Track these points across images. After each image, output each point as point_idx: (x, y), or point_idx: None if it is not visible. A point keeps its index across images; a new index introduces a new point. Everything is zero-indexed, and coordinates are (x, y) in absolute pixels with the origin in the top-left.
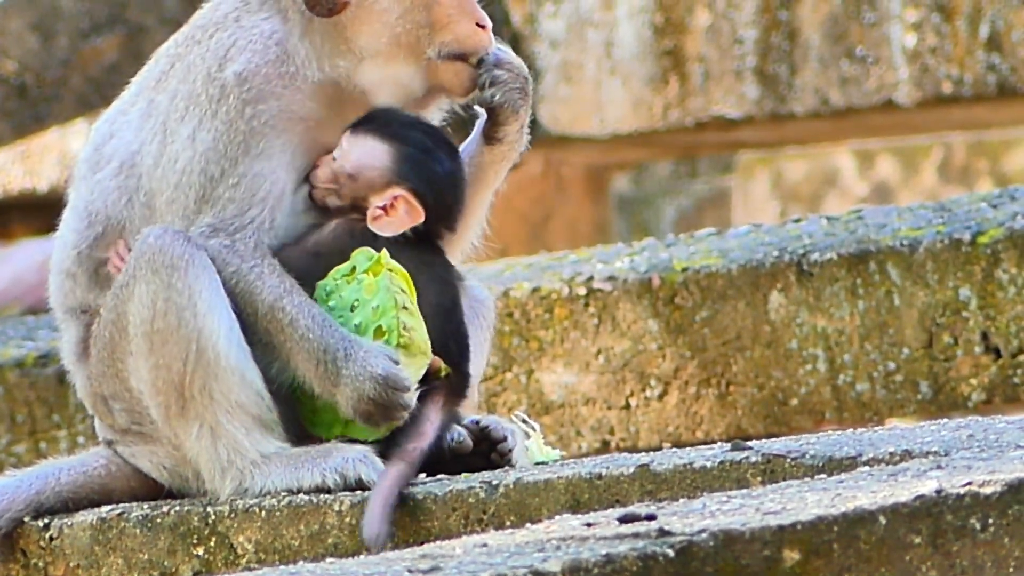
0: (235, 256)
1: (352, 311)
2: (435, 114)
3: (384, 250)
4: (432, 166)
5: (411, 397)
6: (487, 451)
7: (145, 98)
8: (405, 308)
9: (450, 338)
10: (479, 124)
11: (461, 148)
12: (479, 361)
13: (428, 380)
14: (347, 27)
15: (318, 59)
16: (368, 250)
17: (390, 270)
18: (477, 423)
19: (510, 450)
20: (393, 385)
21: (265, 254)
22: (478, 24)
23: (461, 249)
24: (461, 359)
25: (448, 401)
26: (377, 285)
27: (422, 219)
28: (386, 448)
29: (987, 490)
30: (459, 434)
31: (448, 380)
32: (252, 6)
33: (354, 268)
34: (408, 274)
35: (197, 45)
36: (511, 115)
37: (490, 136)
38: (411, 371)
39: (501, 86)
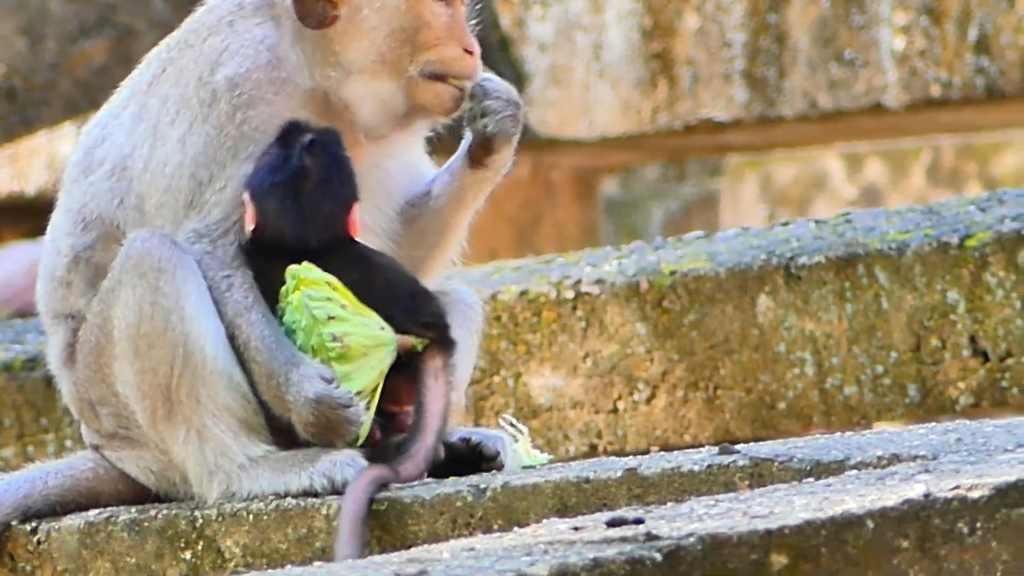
0: (213, 262)
1: (293, 334)
2: (421, 130)
3: (300, 264)
4: (264, 179)
5: (355, 411)
6: (476, 463)
7: (137, 102)
8: (331, 318)
9: (389, 305)
10: (464, 145)
11: (445, 167)
12: (467, 364)
13: (411, 359)
14: (335, 40)
15: (309, 67)
16: (292, 268)
17: (311, 283)
18: (467, 440)
19: (503, 467)
20: (328, 404)
21: (240, 264)
22: (466, 50)
23: (442, 265)
24: (414, 316)
25: (443, 363)
26: (299, 304)
27: (253, 224)
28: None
29: (975, 494)
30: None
31: (430, 346)
32: (247, 11)
33: (287, 290)
34: (331, 274)
35: (190, 49)
36: (503, 143)
37: (478, 161)
38: (361, 375)
39: (493, 115)
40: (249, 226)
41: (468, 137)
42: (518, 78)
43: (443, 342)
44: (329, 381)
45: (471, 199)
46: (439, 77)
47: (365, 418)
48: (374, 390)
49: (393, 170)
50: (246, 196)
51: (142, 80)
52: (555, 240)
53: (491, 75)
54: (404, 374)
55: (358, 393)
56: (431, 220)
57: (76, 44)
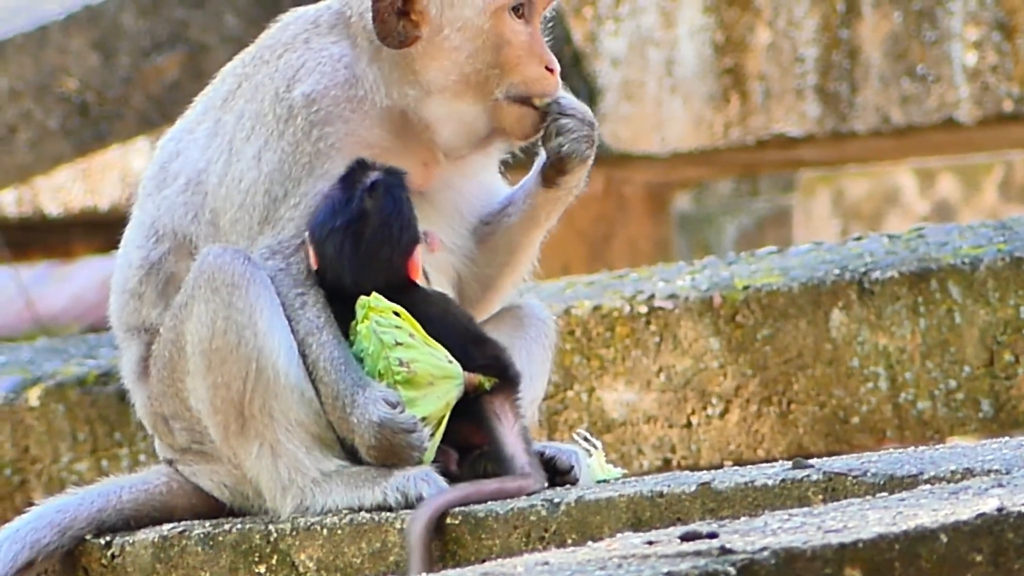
0: (287, 279)
1: (362, 362)
2: (498, 151)
3: (371, 296)
4: (325, 222)
5: (419, 436)
6: (550, 477)
7: (212, 117)
8: (398, 344)
9: (464, 345)
10: (538, 164)
11: (518, 185)
12: (540, 379)
13: (478, 395)
14: (415, 60)
15: (386, 85)
16: (363, 299)
17: (380, 311)
18: (541, 454)
19: (576, 480)
20: (392, 429)
21: (314, 283)
22: (547, 67)
23: (513, 283)
24: (486, 357)
25: (504, 401)
26: (368, 331)
27: (315, 265)
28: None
29: None
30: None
31: (497, 385)
32: (322, 29)
33: (356, 320)
34: (400, 306)
35: (265, 65)
36: (577, 164)
37: (551, 180)
38: (427, 403)
39: (568, 135)
40: (312, 266)
41: (542, 156)
42: (591, 93)
43: (506, 381)
44: (394, 405)
45: (544, 219)
46: (522, 99)
47: (428, 444)
48: (440, 420)
49: (467, 190)
50: (307, 237)
51: (217, 95)
52: (628, 255)
53: (567, 94)
54: (471, 417)
55: (423, 419)
56: (503, 238)
57: (149, 59)
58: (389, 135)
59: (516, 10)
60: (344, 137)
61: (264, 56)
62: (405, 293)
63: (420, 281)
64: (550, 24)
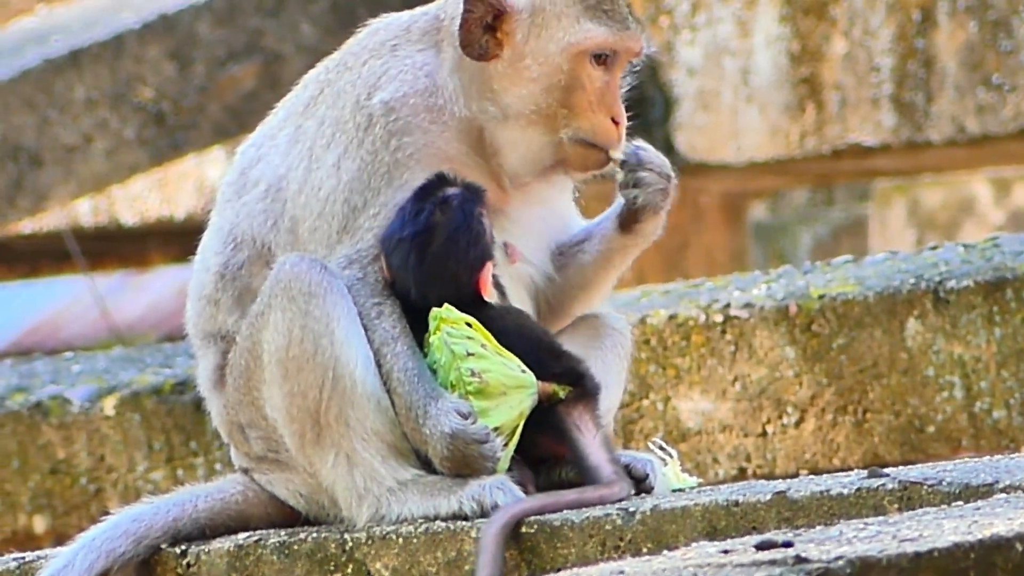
0: (364, 289)
1: (435, 374)
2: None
3: (442, 307)
4: (395, 232)
5: (491, 446)
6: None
7: (293, 124)
8: (470, 355)
9: (538, 354)
10: (615, 208)
11: (595, 222)
12: (616, 388)
13: (552, 405)
14: (494, 78)
15: (465, 97)
16: (435, 310)
17: (451, 322)
18: (617, 460)
19: (651, 489)
20: (464, 440)
21: (391, 293)
22: (613, 119)
23: (584, 311)
24: (560, 366)
25: (583, 411)
26: (439, 342)
27: (387, 276)
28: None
29: None
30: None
31: (572, 394)
32: (412, 35)
33: (429, 332)
34: (472, 317)
35: (348, 71)
36: (651, 215)
37: (627, 226)
38: (499, 413)
39: (644, 188)
40: (386, 276)
41: (619, 202)
42: (666, 102)
43: (584, 390)
44: (465, 416)
45: (618, 262)
46: (585, 144)
47: (501, 454)
48: (513, 429)
49: (544, 213)
50: (379, 247)
51: (299, 101)
52: (703, 264)
53: (645, 144)
54: (549, 430)
55: (495, 430)
56: (577, 274)
57: (224, 68)
58: (466, 149)
59: (598, 58)
60: (422, 148)
61: (348, 62)
62: (475, 308)
63: (492, 298)
64: (635, 69)
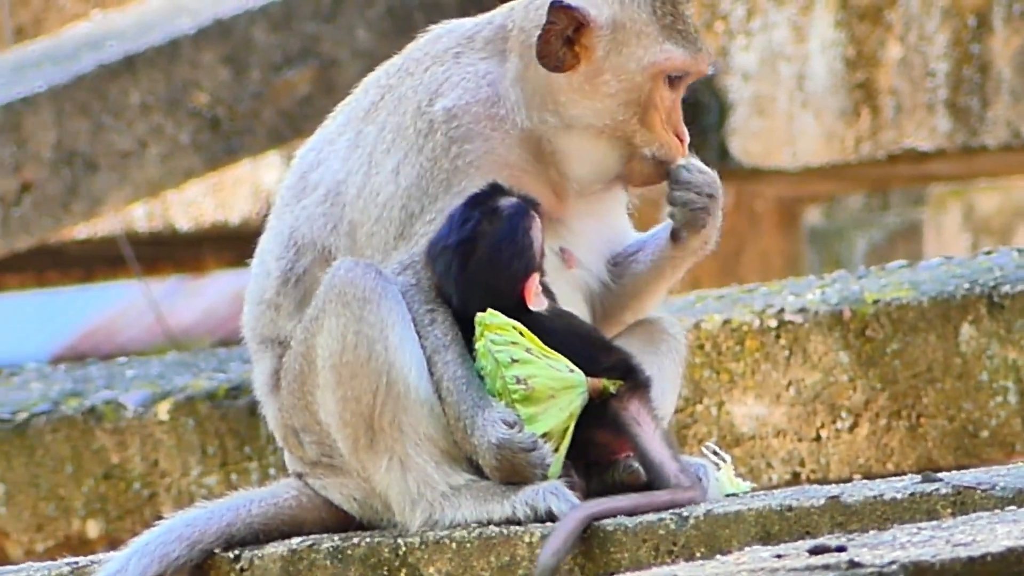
0: (418, 295)
1: (482, 380)
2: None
3: (485, 312)
4: (440, 239)
5: (539, 454)
6: None
7: (353, 128)
8: (514, 361)
9: (588, 350)
10: (668, 220)
11: (650, 233)
12: (671, 394)
13: (604, 400)
14: (561, 90)
15: (527, 108)
16: (479, 315)
17: (496, 328)
18: None
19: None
20: (511, 449)
21: (442, 299)
22: (678, 136)
23: (636, 319)
24: (610, 360)
25: (640, 405)
26: (484, 350)
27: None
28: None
29: None
30: (628, 466)
31: (624, 388)
32: (476, 44)
33: (475, 338)
34: (515, 321)
35: (410, 77)
36: (694, 233)
37: (676, 239)
38: (548, 417)
39: (683, 207)
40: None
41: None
42: (721, 108)
43: (635, 384)
44: (511, 425)
45: (669, 273)
46: (651, 159)
47: (551, 460)
48: (564, 431)
49: (600, 222)
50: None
51: (359, 106)
52: (758, 269)
53: (693, 162)
54: (608, 426)
55: (545, 435)
56: (630, 283)
57: (280, 73)
58: (527, 158)
59: (671, 78)
60: (483, 155)
61: (410, 68)
62: (520, 316)
63: (540, 307)
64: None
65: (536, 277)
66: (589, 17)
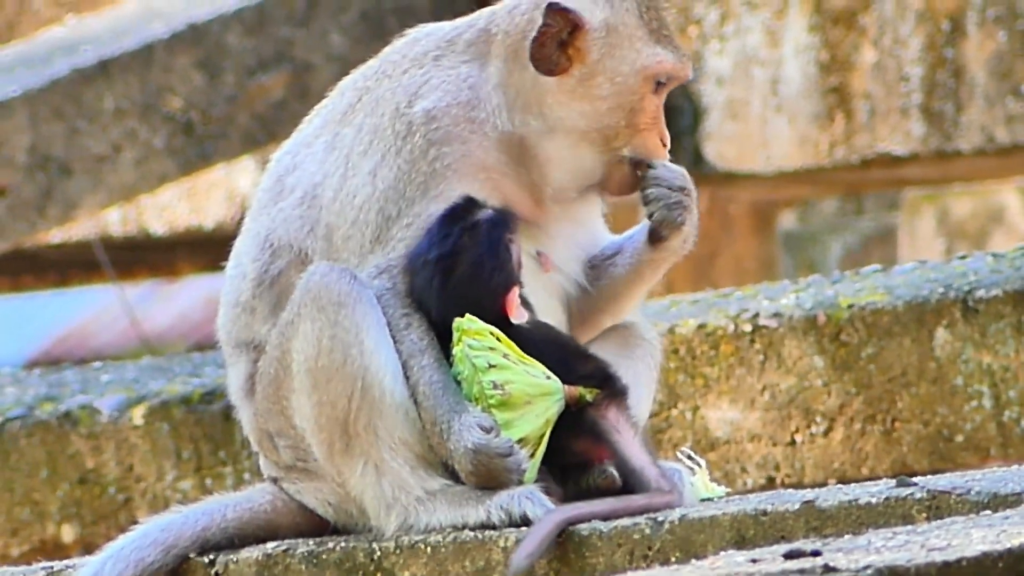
0: (394, 299)
1: (460, 385)
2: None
3: (464, 317)
4: (420, 253)
5: (515, 459)
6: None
7: (330, 131)
8: (491, 366)
9: (564, 358)
10: (645, 221)
11: (625, 236)
12: (646, 399)
13: (580, 408)
14: (549, 93)
15: (509, 111)
16: (457, 321)
17: (473, 333)
18: None
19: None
20: (487, 454)
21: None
22: (662, 140)
23: (613, 323)
24: (586, 368)
25: (618, 413)
26: (462, 355)
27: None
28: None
29: None
30: (603, 471)
31: (601, 396)
32: (457, 47)
33: (452, 344)
34: (493, 327)
35: (388, 79)
36: (673, 230)
37: (654, 241)
38: (524, 423)
39: (656, 202)
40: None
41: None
42: (695, 112)
43: (612, 392)
44: (488, 430)
45: (648, 275)
46: (634, 162)
47: (527, 465)
48: (540, 437)
49: (577, 227)
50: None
51: (336, 108)
52: (733, 273)
53: (665, 162)
54: (587, 434)
55: (520, 440)
56: (608, 286)
57: (253, 78)
58: (506, 161)
59: (658, 82)
60: (460, 158)
61: (387, 71)
62: (500, 327)
63: (521, 319)
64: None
65: (517, 290)
66: (584, 20)
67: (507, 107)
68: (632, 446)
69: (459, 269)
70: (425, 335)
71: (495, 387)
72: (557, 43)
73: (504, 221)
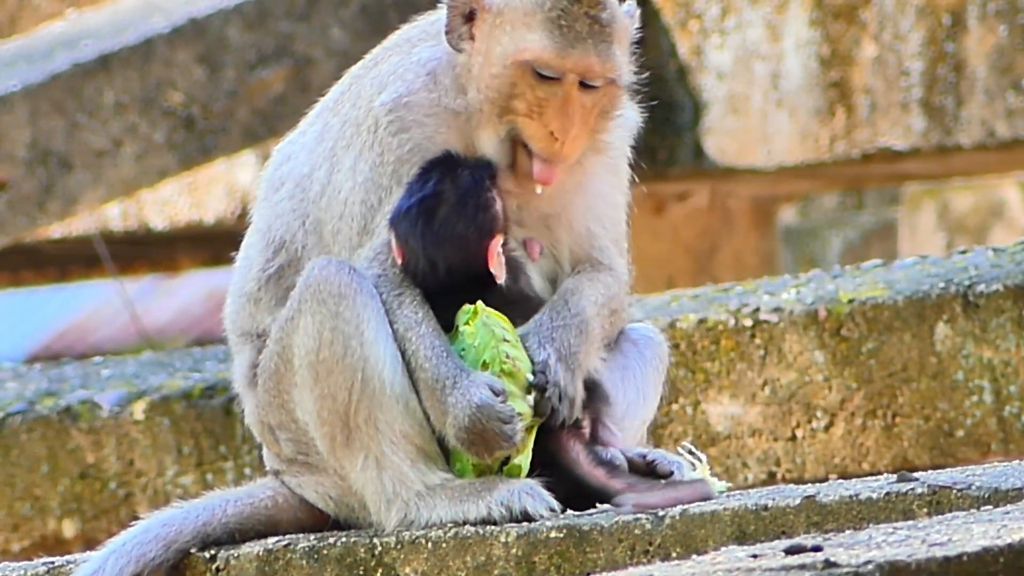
0: (386, 283)
1: (464, 359)
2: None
3: (479, 302)
4: (402, 204)
5: (512, 428)
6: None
7: (322, 120)
8: (505, 340)
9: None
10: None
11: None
12: (652, 402)
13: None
14: (463, 72)
15: (456, 89)
16: (467, 305)
17: (490, 312)
18: (644, 456)
19: (679, 480)
20: (488, 414)
21: (412, 284)
22: (552, 133)
23: None
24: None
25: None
26: (476, 327)
27: (399, 256)
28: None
29: None
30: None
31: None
32: (431, 31)
33: (456, 327)
34: (504, 316)
35: (375, 67)
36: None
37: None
38: (522, 404)
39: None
40: (397, 260)
41: None
42: (696, 107)
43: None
44: (497, 393)
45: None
46: (526, 148)
47: (518, 440)
48: (531, 429)
49: (560, 211)
50: (388, 226)
51: (331, 97)
52: (733, 268)
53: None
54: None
55: (519, 415)
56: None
57: (254, 72)
58: (465, 141)
59: (539, 72)
60: (423, 141)
61: (377, 58)
62: (487, 288)
63: (501, 276)
64: (640, 33)
65: (499, 239)
66: (482, 1)
67: (455, 86)
68: (582, 455)
69: (442, 209)
70: (420, 308)
71: (508, 357)
72: (463, 18)
73: (486, 166)
